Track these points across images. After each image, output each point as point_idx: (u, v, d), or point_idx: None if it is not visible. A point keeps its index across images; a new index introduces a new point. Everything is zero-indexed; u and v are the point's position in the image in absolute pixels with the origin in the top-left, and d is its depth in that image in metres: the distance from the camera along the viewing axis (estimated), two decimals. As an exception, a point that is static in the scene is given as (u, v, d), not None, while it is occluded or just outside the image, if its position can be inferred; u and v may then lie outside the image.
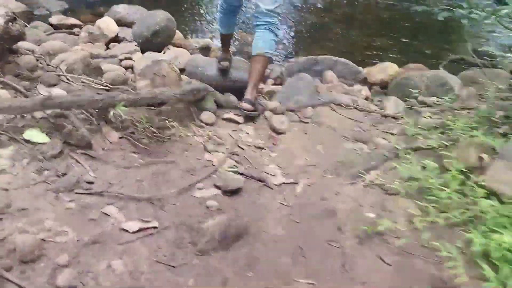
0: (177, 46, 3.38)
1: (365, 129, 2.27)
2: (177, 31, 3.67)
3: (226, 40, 2.68)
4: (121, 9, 4.12)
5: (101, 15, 4.13)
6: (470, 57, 4.07)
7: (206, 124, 2.02)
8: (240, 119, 2.12)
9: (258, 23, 2.27)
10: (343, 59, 3.13)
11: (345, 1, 6.10)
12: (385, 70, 3.26)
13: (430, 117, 2.39)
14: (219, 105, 2.21)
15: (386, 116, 2.48)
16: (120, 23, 4.00)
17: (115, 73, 2.40)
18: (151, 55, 2.90)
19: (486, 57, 3.90)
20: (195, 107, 2.07)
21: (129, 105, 1.70)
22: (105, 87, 2.17)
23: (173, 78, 2.22)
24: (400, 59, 4.32)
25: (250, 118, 2.15)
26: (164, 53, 3.05)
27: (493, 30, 5.20)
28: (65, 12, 4.26)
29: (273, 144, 1.97)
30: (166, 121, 1.85)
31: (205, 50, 3.45)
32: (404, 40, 4.90)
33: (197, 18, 4.89)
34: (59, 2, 4.41)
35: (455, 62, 4.39)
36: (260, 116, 2.22)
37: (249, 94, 2.21)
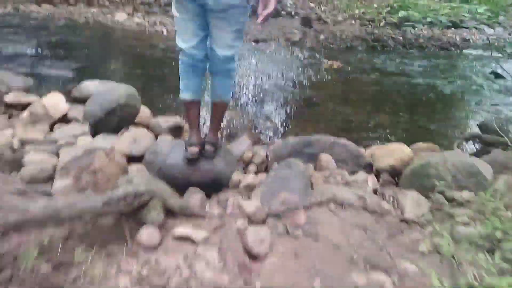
0: (144, 126, 2.82)
1: (381, 244, 1.59)
2: (145, 108, 3.14)
3: (192, 112, 2.17)
4: (91, 86, 3.66)
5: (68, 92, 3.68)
6: (489, 135, 3.53)
7: (146, 247, 1.35)
8: (198, 236, 1.45)
9: (214, 70, 2.05)
10: (341, 140, 2.52)
11: (338, 77, 5.75)
12: (394, 153, 2.64)
13: (468, 223, 1.72)
14: (171, 213, 1.56)
15: (406, 222, 1.82)
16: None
17: (37, 167, 1.78)
18: (96, 140, 2.32)
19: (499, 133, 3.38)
20: (133, 219, 1.42)
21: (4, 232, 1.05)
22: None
23: (110, 175, 1.59)
24: (403, 136, 3.79)
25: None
26: (121, 135, 2.46)
27: (496, 104, 4.78)
28: (27, 90, 3.77)
29: (245, 283, 1.28)
30: (76, 250, 1.19)
31: (177, 131, 2.89)
32: (404, 114, 4.42)
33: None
34: (26, 78, 3.94)
35: (470, 140, 3.85)
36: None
37: (211, 137, 2.17)
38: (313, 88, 5.08)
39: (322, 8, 11.28)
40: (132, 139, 2.35)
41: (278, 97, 4.59)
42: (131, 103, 2.60)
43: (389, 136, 3.80)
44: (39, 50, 4.87)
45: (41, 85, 3.88)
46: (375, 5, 11.18)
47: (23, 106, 3.29)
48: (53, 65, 4.44)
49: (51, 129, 2.55)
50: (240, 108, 4.11)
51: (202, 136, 2.24)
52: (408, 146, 3.13)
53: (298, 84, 5.15)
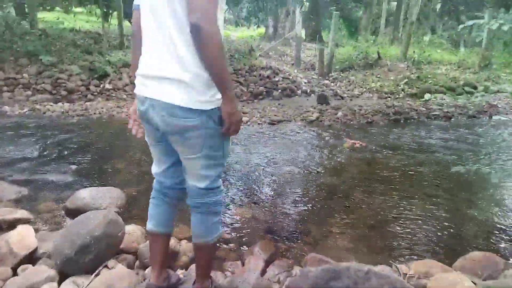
0: (132, 253, 2.30)
1: None
2: (137, 227, 2.71)
3: (153, 246, 1.78)
4: (86, 194, 3.31)
5: (63, 202, 3.35)
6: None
7: None
8: None
9: (191, 203, 1.66)
10: (378, 268, 1.95)
11: (361, 158, 5.27)
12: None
13: None
14: None
15: None
16: (79, 214, 3.15)
17: None
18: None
19: None
20: None
21: None
22: None
23: None
24: (447, 234, 3.20)
25: None
26: (94, 277, 1.96)
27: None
28: (19, 201, 3.46)
29: None
30: None
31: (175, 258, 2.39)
32: (440, 201, 3.82)
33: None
34: (19, 188, 3.65)
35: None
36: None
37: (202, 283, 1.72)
38: (335, 172, 4.60)
39: (338, 84, 11.22)
40: (105, 286, 1.85)
41: (297, 186, 4.11)
42: (112, 232, 2.12)
43: (430, 237, 3.20)
44: (43, 152, 4.69)
45: (35, 194, 3.56)
46: (392, 78, 11.05)
47: (9, 224, 2.95)
48: (54, 169, 4.19)
49: (15, 271, 2.07)
50: (253, 204, 3.64)
51: (174, 279, 1.82)
52: (459, 254, 2.54)
53: (318, 168, 4.69)
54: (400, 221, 3.44)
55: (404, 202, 3.83)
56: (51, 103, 7.46)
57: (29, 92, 8.69)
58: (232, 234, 3.08)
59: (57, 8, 17.81)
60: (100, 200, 3.26)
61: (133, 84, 1.56)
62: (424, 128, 7.18)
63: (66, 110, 6.90)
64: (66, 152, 4.71)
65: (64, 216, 3.23)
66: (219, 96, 1.39)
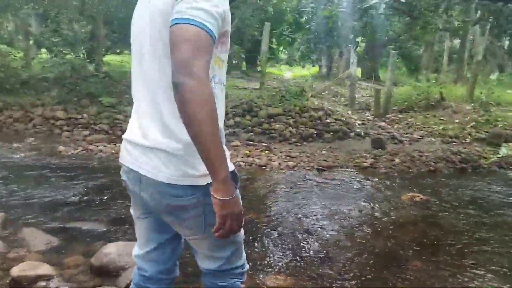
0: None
1: None
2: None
3: None
4: (113, 249, 3.10)
5: (92, 255, 3.16)
6: None
7: None
8: None
9: (206, 283, 1.37)
10: None
11: (423, 215, 4.64)
12: None
13: None
14: None
15: None
16: (104, 271, 2.93)
17: None
18: None
19: None
20: None
21: None
22: None
23: None
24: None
25: None
26: None
27: None
28: (48, 252, 3.33)
29: None
30: None
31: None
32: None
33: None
34: (51, 237, 3.55)
35: None
36: None
37: None
38: (391, 234, 4.03)
39: (395, 126, 10.54)
40: None
41: (342, 252, 3.60)
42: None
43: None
44: (84, 196, 4.64)
45: (65, 246, 3.43)
46: (457, 120, 10.19)
47: (31, 281, 2.79)
48: (91, 216, 4.08)
49: None
50: (286, 274, 3.20)
51: None
52: None
53: (370, 228, 4.15)
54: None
55: (475, 274, 3.18)
56: (105, 143, 7.64)
57: (87, 132, 9.07)
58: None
59: (126, 51, 18.90)
60: (126, 257, 3.01)
61: None
62: (496, 179, 6.33)
63: (116, 151, 6.99)
64: (106, 197, 4.63)
65: (89, 273, 3.01)
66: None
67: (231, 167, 1.10)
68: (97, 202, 4.52)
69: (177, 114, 1.01)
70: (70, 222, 3.91)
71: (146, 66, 1.14)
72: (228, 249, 1.28)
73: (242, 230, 1.26)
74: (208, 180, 1.05)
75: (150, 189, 1.15)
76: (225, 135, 1.24)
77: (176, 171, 1.10)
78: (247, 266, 1.39)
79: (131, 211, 1.42)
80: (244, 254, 1.37)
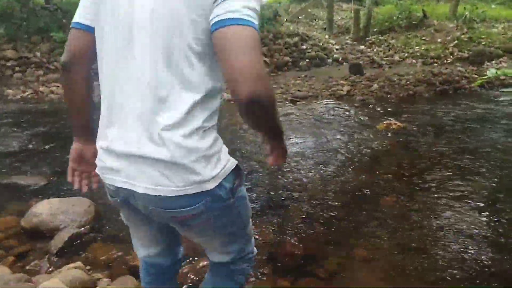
0: None
1: None
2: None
3: None
4: (45, 208, 2.70)
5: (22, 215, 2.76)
6: None
7: None
8: None
9: (211, 269, 1.33)
10: None
11: (399, 144, 4.31)
12: None
13: None
14: None
15: None
16: (36, 234, 2.55)
17: None
18: None
19: None
20: None
21: None
22: None
23: None
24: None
25: None
26: None
27: None
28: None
29: None
30: None
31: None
32: (508, 209, 2.89)
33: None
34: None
35: None
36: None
37: None
38: (364, 167, 3.73)
39: (375, 49, 9.97)
40: None
41: (313, 190, 3.29)
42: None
43: (492, 263, 2.32)
44: (26, 145, 4.17)
45: (-2, 204, 3.01)
46: (439, 40, 9.64)
47: None
48: (31, 168, 3.63)
49: None
50: (254, 216, 2.89)
51: None
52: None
53: (342, 162, 3.83)
54: (448, 239, 2.56)
55: (455, 209, 2.93)
56: (57, 85, 6.96)
57: (41, 72, 8.29)
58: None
59: None
60: (61, 216, 2.64)
61: None
62: (478, 100, 6.00)
63: (70, 92, 6.36)
64: (48, 146, 4.15)
65: (21, 236, 2.64)
66: (222, 163, 0.98)
67: (234, 162, 1.02)
68: (40, 150, 4.05)
69: (175, 119, 0.89)
70: (6, 177, 3.46)
71: (140, 64, 0.89)
72: (239, 242, 1.21)
73: (251, 222, 1.24)
74: (216, 182, 0.96)
75: (149, 205, 0.99)
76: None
77: (181, 181, 0.93)
78: (255, 251, 1.34)
79: (124, 220, 1.24)
80: (253, 240, 1.31)
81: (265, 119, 0.89)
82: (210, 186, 0.96)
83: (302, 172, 3.63)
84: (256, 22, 0.83)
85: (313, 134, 4.60)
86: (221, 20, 0.81)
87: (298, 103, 5.97)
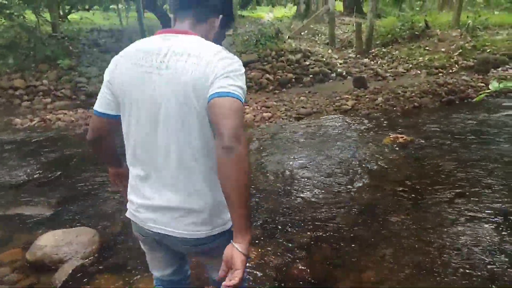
0: None
1: None
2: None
3: None
4: (49, 240, 2.68)
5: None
6: None
7: None
8: None
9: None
10: None
11: (406, 159, 4.24)
12: None
13: None
14: None
15: None
16: (40, 266, 2.53)
17: None
18: None
19: None
20: None
21: None
22: None
23: None
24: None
25: None
26: None
27: None
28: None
29: None
30: None
31: None
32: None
33: None
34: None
35: None
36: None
37: None
38: (371, 183, 3.66)
39: (379, 62, 9.95)
40: None
41: (320, 209, 3.23)
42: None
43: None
44: (32, 175, 4.19)
45: (6, 236, 3.01)
46: (443, 49, 9.59)
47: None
48: (37, 197, 3.64)
49: None
50: (262, 236, 2.83)
51: None
52: None
53: (349, 178, 3.77)
54: (461, 258, 2.48)
55: (466, 226, 2.86)
56: (65, 112, 7.04)
57: (49, 99, 8.40)
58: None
59: (97, 7, 17.14)
60: (65, 247, 2.62)
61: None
62: (485, 110, 5.92)
63: (76, 119, 6.43)
64: (54, 175, 4.16)
65: (26, 269, 2.61)
66: None
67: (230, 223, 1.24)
68: (45, 179, 4.06)
69: (204, 177, 1.18)
70: (12, 207, 3.47)
71: (164, 133, 1.15)
72: None
73: None
74: (231, 223, 1.15)
75: (182, 245, 1.26)
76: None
77: (210, 226, 1.22)
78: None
79: (144, 247, 1.45)
80: None
81: (238, 172, 1.03)
82: (229, 225, 1.24)
83: (307, 190, 3.58)
84: (242, 95, 1.09)
85: (318, 151, 4.55)
86: (215, 92, 1.06)
87: (303, 119, 5.95)
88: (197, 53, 1.10)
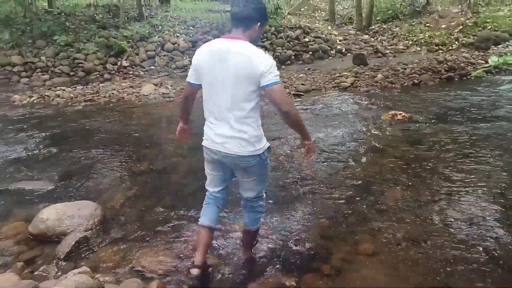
0: None
1: None
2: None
3: (201, 235, 2.24)
4: (51, 214, 2.72)
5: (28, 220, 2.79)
6: None
7: None
8: None
9: (243, 205, 2.34)
10: None
11: (404, 135, 4.26)
12: None
13: None
14: None
15: None
16: (43, 239, 2.59)
17: None
18: None
19: None
20: None
21: None
22: None
23: None
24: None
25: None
26: None
27: None
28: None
29: None
30: None
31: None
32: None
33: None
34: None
35: None
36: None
37: (247, 253, 2.43)
38: (368, 160, 3.71)
39: (379, 39, 9.85)
40: None
41: (317, 184, 3.28)
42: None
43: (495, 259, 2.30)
44: (33, 150, 4.22)
45: (7, 210, 3.06)
46: (443, 26, 9.48)
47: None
48: (38, 173, 3.68)
49: None
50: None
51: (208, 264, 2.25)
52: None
53: (347, 155, 3.81)
54: (456, 229, 2.55)
55: (463, 200, 2.91)
56: (64, 88, 7.01)
57: (47, 76, 8.35)
58: (223, 266, 2.38)
59: None
60: (67, 220, 2.67)
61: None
62: (484, 86, 5.91)
63: (75, 96, 6.42)
64: (55, 150, 4.19)
65: (29, 241, 2.67)
66: (265, 144, 2.04)
67: (267, 144, 2.05)
68: (46, 155, 4.09)
69: (248, 122, 1.94)
70: (13, 182, 3.51)
71: (228, 99, 1.91)
72: (261, 186, 2.20)
73: (268, 179, 2.32)
74: (262, 150, 2.00)
75: (234, 160, 2.00)
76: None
77: (249, 148, 1.96)
78: (264, 196, 2.30)
79: (209, 170, 2.18)
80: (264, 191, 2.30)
81: (294, 121, 1.92)
82: (260, 151, 2.00)
83: (306, 166, 3.62)
84: (280, 80, 1.84)
85: (317, 127, 4.58)
86: (268, 83, 1.79)
87: (302, 96, 5.94)
88: (245, 53, 1.84)
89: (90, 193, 3.24)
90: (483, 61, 7.03)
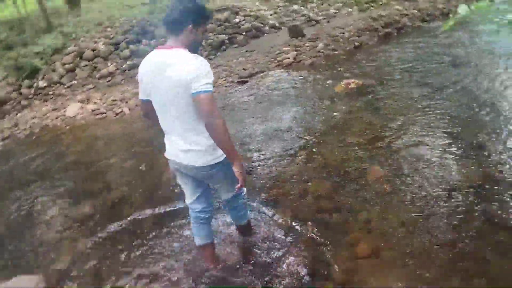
0: None
1: None
2: None
3: (205, 254, 2.30)
4: None
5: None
6: None
7: None
8: None
9: (224, 206, 2.47)
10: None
11: (362, 103, 4.03)
12: None
13: None
14: None
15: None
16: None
17: None
18: None
19: None
20: None
21: None
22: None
23: None
24: None
25: None
26: None
27: None
28: None
29: None
30: None
31: None
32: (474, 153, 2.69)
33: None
34: None
35: None
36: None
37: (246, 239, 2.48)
38: (336, 140, 3.40)
39: (309, 6, 9.58)
40: None
41: (290, 184, 2.92)
42: None
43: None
44: None
45: None
46: (369, -19, 9.37)
47: None
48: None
49: None
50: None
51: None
52: None
53: (312, 139, 3.48)
54: (440, 197, 2.32)
55: (441, 163, 2.70)
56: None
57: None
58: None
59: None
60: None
61: None
62: (422, 37, 5.84)
63: (-8, 132, 5.55)
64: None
65: None
66: (219, 149, 1.89)
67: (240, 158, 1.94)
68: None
69: (197, 132, 1.87)
70: None
71: (173, 112, 1.84)
72: (235, 185, 1.94)
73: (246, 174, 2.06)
74: (223, 156, 1.90)
75: (193, 170, 1.97)
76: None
77: (207, 158, 1.91)
78: (245, 190, 2.26)
79: (179, 182, 2.15)
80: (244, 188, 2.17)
81: (219, 138, 1.77)
82: (221, 158, 1.90)
83: (271, 163, 3.24)
84: (210, 89, 1.73)
85: (270, 113, 4.19)
86: (194, 92, 1.71)
87: (247, 83, 5.52)
88: (177, 63, 1.74)
89: (28, 261, 2.64)
90: (415, 10, 6.98)
